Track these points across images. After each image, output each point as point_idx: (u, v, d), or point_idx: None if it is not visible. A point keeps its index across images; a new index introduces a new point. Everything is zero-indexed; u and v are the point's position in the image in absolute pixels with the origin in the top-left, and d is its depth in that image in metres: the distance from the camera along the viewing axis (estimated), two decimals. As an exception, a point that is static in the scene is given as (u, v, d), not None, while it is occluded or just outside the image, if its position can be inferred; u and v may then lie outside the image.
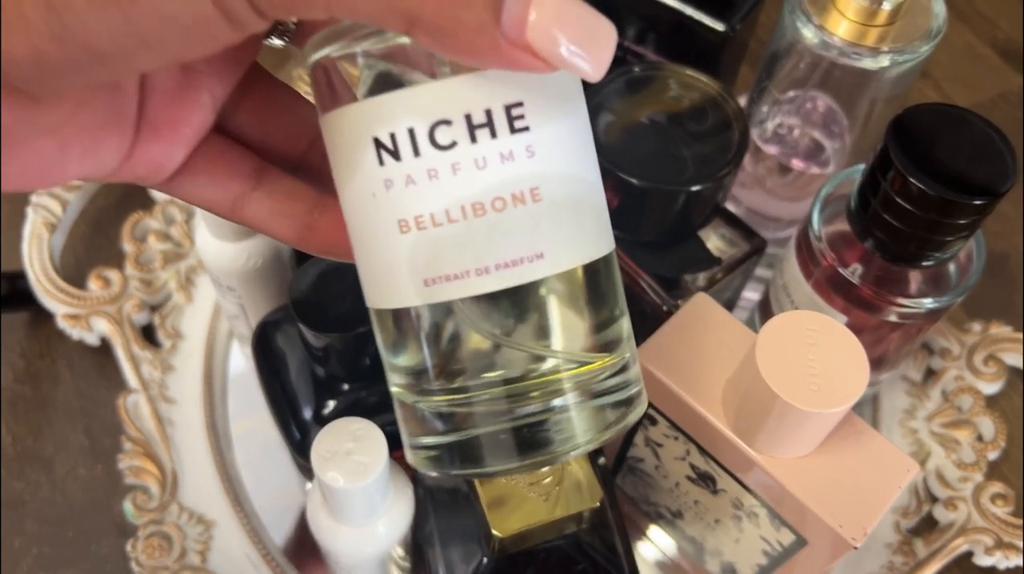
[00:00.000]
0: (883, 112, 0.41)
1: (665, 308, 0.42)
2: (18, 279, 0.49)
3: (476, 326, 0.21)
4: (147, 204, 0.52)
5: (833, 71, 0.40)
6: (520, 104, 0.20)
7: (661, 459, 0.39)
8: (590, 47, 0.18)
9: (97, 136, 0.20)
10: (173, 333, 0.49)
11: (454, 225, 0.20)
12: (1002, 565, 0.44)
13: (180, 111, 0.22)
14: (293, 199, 0.23)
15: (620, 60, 0.46)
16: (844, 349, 0.31)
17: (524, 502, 0.32)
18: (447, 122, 0.19)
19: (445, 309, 0.21)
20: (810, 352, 0.31)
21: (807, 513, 0.33)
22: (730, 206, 0.47)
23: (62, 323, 0.48)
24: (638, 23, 0.45)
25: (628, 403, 0.22)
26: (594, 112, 0.40)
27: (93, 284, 0.49)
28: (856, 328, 0.35)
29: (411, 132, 0.19)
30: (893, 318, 0.39)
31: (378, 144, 0.20)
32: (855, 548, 0.32)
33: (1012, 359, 0.49)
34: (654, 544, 0.45)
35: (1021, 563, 0.44)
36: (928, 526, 0.45)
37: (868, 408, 0.48)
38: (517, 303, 0.21)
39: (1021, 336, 0.50)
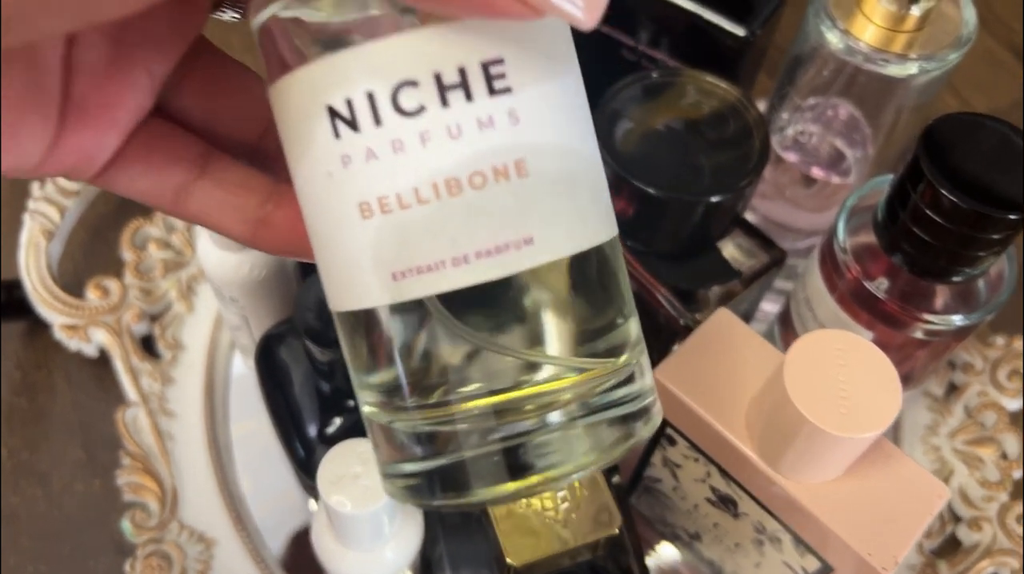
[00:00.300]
0: (909, 121, 0.40)
1: (682, 322, 0.40)
2: (14, 288, 0.48)
3: (455, 328, 0.18)
4: (147, 211, 0.51)
5: (858, 78, 0.39)
6: (500, 61, 0.17)
7: (679, 480, 0.37)
8: None
9: (14, 120, 0.18)
10: (173, 344, 0.47)
11: (425, 206, 0.17)
12: (1028, 588, 0.43)
13: (112, 91, 0.19)
14: (244, 189, 0.20)
15: (636, 65, 0.45)
16: (875, 371, 0.30)
17: (540, 528, 0.31)
18: (412, 83, 0.16)
19: (419, 309, 0.18)
20: (840, 374, 0.30)
21: (835, 540, 0.32)
22: (746, 215, 0.46)
23: (60, 334, 0.47)
24: (654, 27, 0.44)
25: (638, 417, 0.19)
26: (610, 119, 0.39)
27: (91, 293, 0.48)
28: (882, 345, 0.33)
29: (370, 96, 0.17)
30: (920, 335, 0.37)
31: (332, 113, 0.17)
32: (885, 578, 0.31)
33: (1036, 374, 0.48)
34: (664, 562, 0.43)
35: (1048, 586, 0.43)
36: (952, 547, 0.44)
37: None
38: (503, 299, 0.18)
39: (1045, 350, 0.48)
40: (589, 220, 0.18)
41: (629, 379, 0.19)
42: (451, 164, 0.17)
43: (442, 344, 0.18)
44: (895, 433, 0.46)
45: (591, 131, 0.19)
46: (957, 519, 0.44)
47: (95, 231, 0.52)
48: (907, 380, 0.41)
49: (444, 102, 0.16)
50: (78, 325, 0.47)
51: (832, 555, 0.32)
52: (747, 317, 0.46)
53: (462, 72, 0.16)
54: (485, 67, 0.17)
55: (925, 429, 0.46)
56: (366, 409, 0.20)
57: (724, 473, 0.34)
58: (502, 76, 0.17)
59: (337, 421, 0.37)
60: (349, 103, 0.17)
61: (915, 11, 0.36)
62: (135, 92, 0.19)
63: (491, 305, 0.18)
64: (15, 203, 0.51)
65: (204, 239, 0.40)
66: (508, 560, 0.30)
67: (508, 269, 0.17)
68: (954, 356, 0.48)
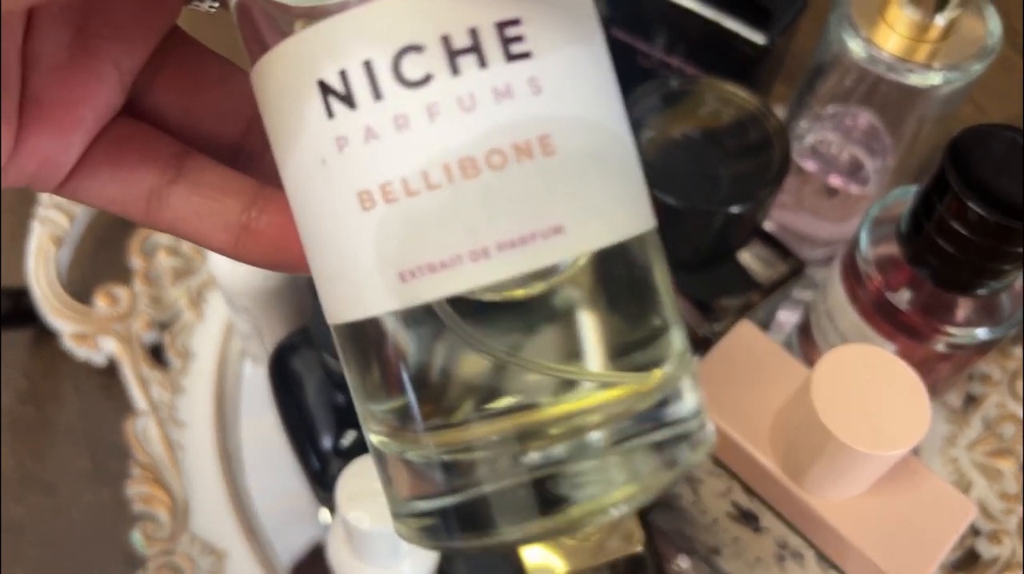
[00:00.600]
0: (930, 132, 0.39)
1: (700, 333, 0.40)
2: (20, 296, 0.48)
3: (471, 340, 0.15)
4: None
5: (879, 87, 0.38)
6: (517, 21, 0.14)
7: (699, 495, 0.37)
8: None
9: None
10: (183, 352, 0.47)
11: (436, 192, 0.14)
12: (1047, 602, 0.42)
13: (76, 88, 0.17)
14: (224, 193, 0.18)
15: (653, 72, 0.45)
16: (904, 387, 0.29)
17: (562, 545, 0.30)
18: (417, 48, 0.14)
19: (431, 317, 0.15)
20: (868, 390, 0.29)
21: (860, 557, 0.31)
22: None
23: (69, 343, 0.46)
24: (672, 34, 0.43)
25: (683, 442, 0.17)
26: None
27: (100, 301, 0.47)
28: (903, 358, 0.33)
29: (368, 66, 0.14)
30: (942, 348, 0.37)
31: (324, 89, 0.15)
32: (913, 597, 0.30)
33: (1053, 384, 0.48)
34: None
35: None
36: (971, 561, 0.44)
37: (905, 435, 0.46)
38: (527, 301, 0.15)
39: (1063, 361, 0.48)
40: (625, 207, 0.16)
41: (672, 397, 0.17)
42: (465, 141, 0.14)
43: (457, 359, 0.16)
44: (912, 445, 0.46)
45: (622, 107, 0.16)
46: (976, 532, 0.44)
47: (104, 238, 0.51)
48: (930, 393, 0.41)
49: (454, 69, 0.14)
50: (87, 333, 0.46)
51: (856, 572, 0.32)
52: (763, 326, 0.45)
53: (474, 34, 0.14)
54: (500, 27, 0.14)
55: (943, 441, 0.46)
56: (373, 438, 0.17)
57: (746, 488, 0.34)
58: (520, 39, 0.14)
59: (352, 433, 0.36)
60: (343, 75, 0.14)
61: (939, 21, 0.35)
62: (102, 88, 0.17)
63: (511, 309, 0.15)
64: (18, 210, 0.50)
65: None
66: (530, 578, 0.30)
67: (536, 262, 0.15)
68: (972, 367, 0.48)
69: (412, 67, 0.14)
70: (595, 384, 0.16)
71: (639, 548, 0.30)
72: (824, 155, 0.43)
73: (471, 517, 0.16)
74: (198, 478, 0.44)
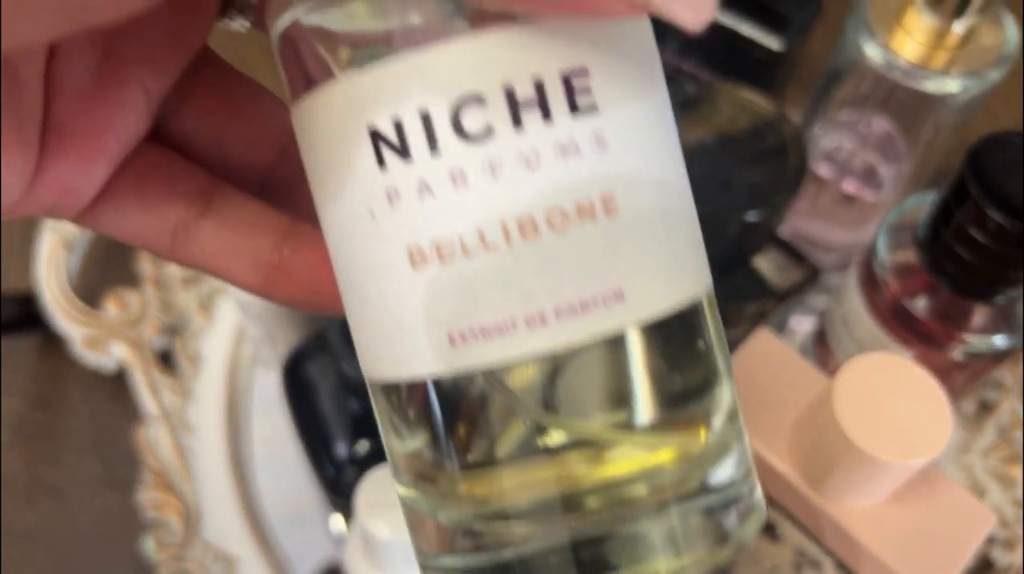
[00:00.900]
0: (946, 139, 0.39)
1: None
2: (28, 301, 0.47)
3: (522, 404, 0.15)
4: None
5: (896, 93, 0.38)
6: (584, 72, 0.14)
7: (715, 502, 0.37)
8: None
9: None
10: (193, 357, 0.47)
11: (493, 253, 0.14)
12: (1061, 609, 0.42)
13: (101, 114, 0.16)
14: (255, 229, 0.17)
15: (667, 77, 0.44)
16: (925, 396, 0.29)
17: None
18: (479, 99, 0.13)
19: (477, 378, 0.15)
20: (889, 399, 0.29)
21: (879, 566, 0.31)
22: (775, 230, 0.45)
23: (80, 348, 0.46)
24: (685, 39, 0.43)
25: (734, 506, 0.16)
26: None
27: (110, 306, 0.47)
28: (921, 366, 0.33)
29: (425, 116, 0.14)
30: (959, 357, 0.37)
31: (376, 137, 0.14)
32: (934, 607, 0.30)
33: (1066, 391, 0.47)
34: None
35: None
36: (985, 569, 0.43)
37: (918, 441, 0.46)
38: (582, 367, 0.15)
39: (1075, 367, 0.48)
40: (686, 269, 0.15)
41: (721, 459, 0.16)
42: (526, 201, 0.14)
43: (497, 419, 0.15)
44: (925, 451, 0.46)
45: (682, 160, 0.16)
46: (990, 540, 0.44)
47: (114, 243, 0.51)
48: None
49: (517, 122, 0.14)
50: (97, 338, 0.46)
51: (876, 582, 0.32)
52: (776, 332, 0.45)
53: (539, 86, 0.13)
54: (567, 79, 0.14)
55: (957, 448, 0.46)
56: (403, 491, 0.17)
57: (764, 496, 0.34)
58: (587, 91, 0.14)
59: (367, 441, 0.36)
60: (398, 125, 0.14)
61: (957, 28, 0.35)
62: (127, 114, 0.16)
63: (569, 373, 0.15)
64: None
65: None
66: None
67: (595, 330, 0.14)
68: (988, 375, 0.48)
69: (472, 119, 0.14)
70: (640, 446, 0.15)
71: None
72: (838, 161, 0.43)
73: None
74: (209, 484, 0.43)
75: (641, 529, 0.15)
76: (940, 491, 0.32)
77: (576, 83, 0.14)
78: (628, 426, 0.15)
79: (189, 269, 0.19)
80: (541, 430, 0.15)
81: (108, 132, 0.16)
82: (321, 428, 0.37)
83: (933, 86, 0.37)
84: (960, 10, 0.35)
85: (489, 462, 0.15)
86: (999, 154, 0.33)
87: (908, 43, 0.37)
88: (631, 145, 0.14)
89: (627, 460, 0.15)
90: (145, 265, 0.49)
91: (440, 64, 0.14)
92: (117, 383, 0.47)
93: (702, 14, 0.13)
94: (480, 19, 0.14)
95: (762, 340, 0.34)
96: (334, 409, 0.37)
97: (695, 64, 0.44)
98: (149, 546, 0.42)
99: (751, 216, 0.37)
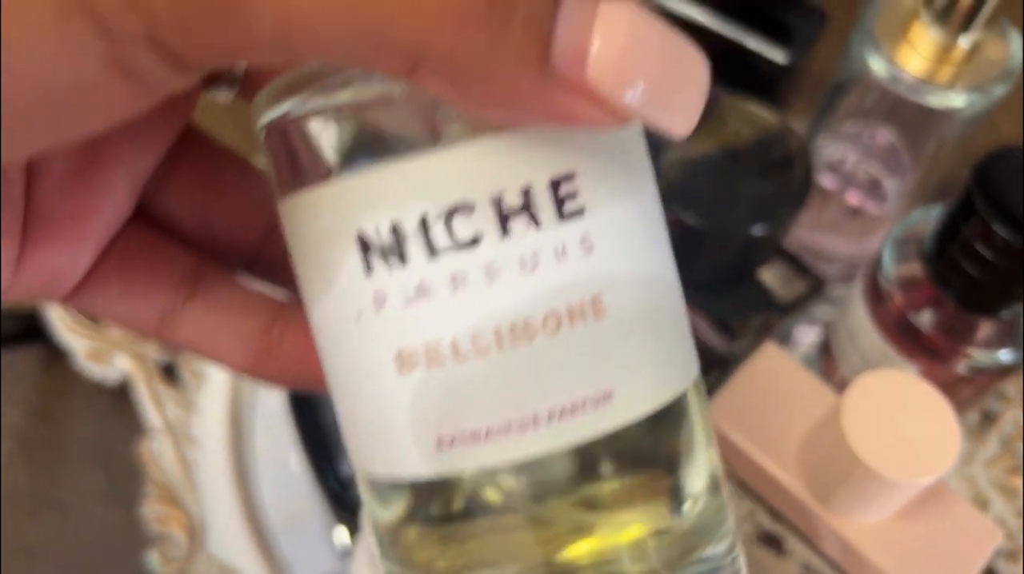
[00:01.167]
0: (951, 153, 0.39)
1: (719, 352, 0.40)
2: (30, 314, 0.47)
3: (509, 500, 0.15)
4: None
5: (900, 107, 0.38)
6: (572, 176, 0.14)
7: (721, 516, 0.37)
8: (677, 89, 0.13)
9: None
10: (197, 369, 0.47)
11: (484, 358, 0.14)
12: (1065, 621, 0.42)
13: (85, 198, 0.15)
14: (243, 312, 0.17)
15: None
16: (933, 413, 0.29)
17: None
18: (467, 207, 0.13)
19: (464, 478, 0.15)
20: (898, 416, 0.29)
21: (886, 582, 0.31)
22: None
23: (83, 361, 0.46)
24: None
25: None
26: (649, 146, 0.38)
27: (113, 317, 0.47)
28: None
29: (412, 223, 0.14)
30: (963, 371, 0.37)
31: (364, 243, 0.14)
32: (942, 624, 0.30)
33: (1068, 401, 0.48)
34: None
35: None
36: (989, 580, 0.44)
37: (921, 452, 0.46)
38: (569, 465, 0.14)
39: (1077, 377, 0.48)
40: (675, 365, 0.15)
41: (703, 534, 0.16)
42: (516, 306, 0.14)
43: (483, 518, 0.15)
44: (928, 462, 0.46)
45: (669, 251, 0.16)
46: (994, 551, 0.44)
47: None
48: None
49: (505, 230, 0.14)
50: (100, 351, 0.46)
51: (883, 597, 0.32)
52: (780, 343, 0.45)
53: (527, 192, 0.14)
54: (555, 185, 0.14)
55: (961, 459, 0.46)
56: (385, 566, 0.16)
57: (770, 511, 0.34)
58: (574, 195, 0.14)
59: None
60: (385, 230, 0.14)
61: (963, 43, 0.35)
62: (112, 197, 0.16)
63: (555, 471, 0.14)
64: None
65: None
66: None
67: (585, 432, 0.14)
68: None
69: (461, 227, 0.14)
70: (620, 525, 0.15)
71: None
72: (842, 172, 0.43)
73: None
74: (213, 497, 0.43)
75: None
76: (947, 506, 0.32)
77: (564, 188, 0.14)
78: (607, 506, 0.15)
79: (179, 351, 0.19)
80: (520, 512, 0.15)
81: (92, 217, 0.16)
82: (325, 442, 0.37)
83: (938, 101, 0.37)
84: (966, 24, 0.35)
85: (472, 557, 0.15)
86: (1006, 170, 0.33)
87: (913, 57, 0.37)
88: (619, 247, 0.14)
89: (608, 539, 0.15)
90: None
91: (429, 173, 0.14)
92: (120, 396, 0.46)
93: (689, 120, 0.13)
94: (473, 123, 0.14)
95: (769, 354, 0.34)
96: (339, 424, 0.37)
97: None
98: (153, 560, 0.42)
99: (757, 230, 0.37)
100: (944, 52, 0.36)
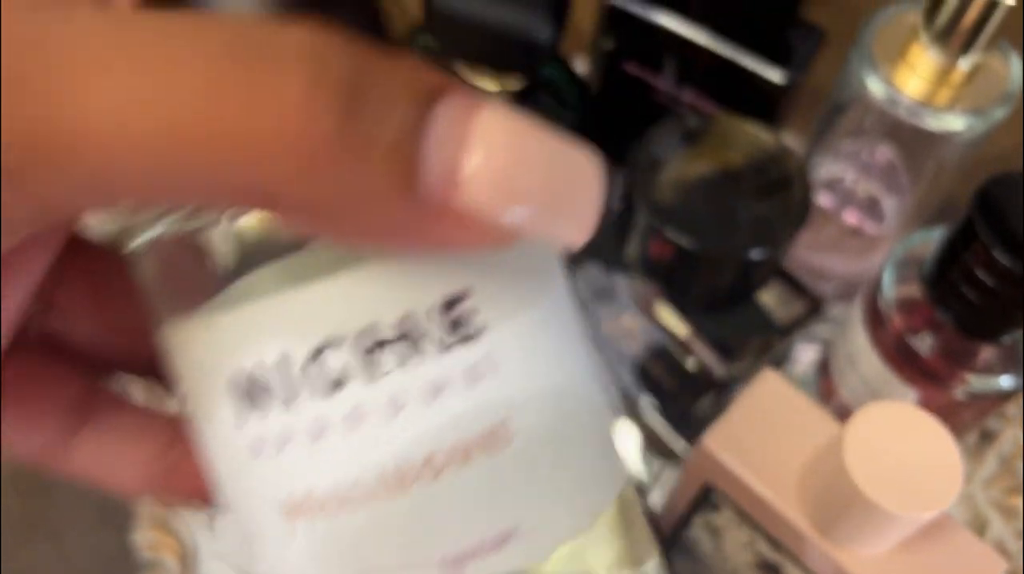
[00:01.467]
0: (950, 175, 0.39)
1: (718, 375, 0.40)
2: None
3: None
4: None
5: (899, 129, 0.38)
6: (462, 297, 0.12)
7: (720, 544, 0.36)
8: (565, 200, 0.11)
9: None
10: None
11: (369, 506, 0.12)
12: (1065, 642, 0.42)
13: None
14: (139, 437, 0.16)
15: (667, 109, 0.44)
16: (936, 446, 0.29)
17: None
18: (337, 343, 0.12)
19: None
20: (900, 449, 0.29)
21: (888, 614, 0.31)
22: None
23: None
24: (686, 71, 0.43)
25: None
26: (645, 167, 0.38)
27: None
28: (924, 406, 0.33)
29: (281, 364, 0.12)
30: (962, 396, 0.36)
31: (235, 387, 0.13)
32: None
33: (1067, 418, 0.47)
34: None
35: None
36: (989, 601, 0.43)
37: (920, 471, 0.46)
38: None
39: (1076, 394, 0.48)
40: (593, 484, 0.14)
41: None
42: (401, 447, 0.12)
43: None
44: (927, 481, 0.46)
45: (581, 355, 0.14)
46: (993, 571, 0.44)
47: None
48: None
49: (380, 366, 0.12)
50: (91, 373, 0.46)
51: (885, 628, 0.32)
52: (779, 364, 0.45)
53: (407, 320, 0.12)
54: (444, 308, 0.12)
55: (959, 478, 0.46)
56: None
57: (770, 539, 0.33)
58: (463, 320, 0.12)
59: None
60: (254, 375, 0.13)
61: (963, 65, 0.35)
62: None
63: None
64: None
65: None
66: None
67: None
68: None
69: (336, 365, 0.12)
70: None
71: None
72: (840, 190, 0.43)
73: None
74: (204, 521, 0.43)
75: None
76: (949, 536, 0.32)
77: (451, 313, 0.12)
78: None
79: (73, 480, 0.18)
80: None
81: None
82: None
83: (936, 124, 0.36)
84: (966, 47, 0.34)
85: None
86: (1007, 195, 0.33)
87: (912, 79, 0.36)
88: (525, 361, 0.13)
89: None
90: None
91: (302, 307, 0.12)
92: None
93: (583, 230, 0.12)
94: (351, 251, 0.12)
95: (768, 381, 0.34)
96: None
97: (696, 96, 0.44)
98: (145, 587, 0.41)
99: (755, 254, 0.36)
100: (943, 74, 0.36)
